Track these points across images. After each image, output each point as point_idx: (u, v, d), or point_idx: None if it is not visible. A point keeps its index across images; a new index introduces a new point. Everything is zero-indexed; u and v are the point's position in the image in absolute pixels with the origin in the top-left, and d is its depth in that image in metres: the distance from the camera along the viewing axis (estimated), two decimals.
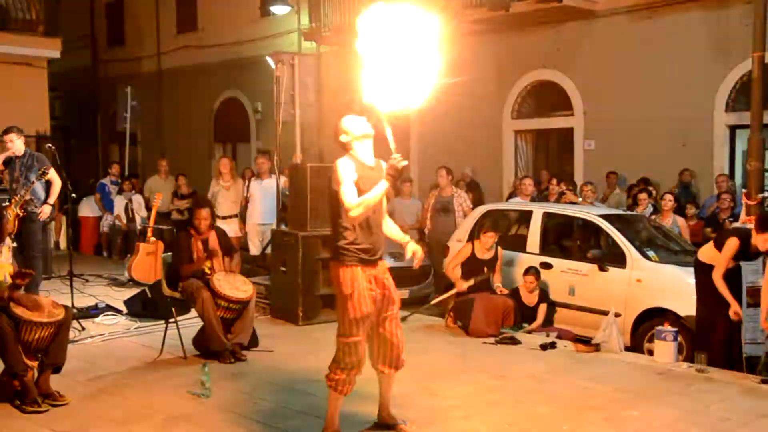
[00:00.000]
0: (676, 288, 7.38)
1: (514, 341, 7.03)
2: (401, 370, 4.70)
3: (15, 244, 7.09)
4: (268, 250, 9.62)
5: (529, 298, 7.99)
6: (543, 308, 7.97)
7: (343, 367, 4.44)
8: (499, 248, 7.95)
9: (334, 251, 4.50)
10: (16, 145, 8.19)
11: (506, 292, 7.73)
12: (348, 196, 4.35)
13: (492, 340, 7.14)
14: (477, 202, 11.50)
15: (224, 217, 10.19)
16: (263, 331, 7.06)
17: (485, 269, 7.80)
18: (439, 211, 10.59)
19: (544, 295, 8.02)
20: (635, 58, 12.46)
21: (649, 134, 12.37)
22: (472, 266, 7.80)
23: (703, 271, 6.46)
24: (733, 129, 11.68)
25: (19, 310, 4.99)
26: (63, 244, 13.65)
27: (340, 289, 4.43)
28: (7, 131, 8.23)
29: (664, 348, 6.39)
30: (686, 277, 7.37)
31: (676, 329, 6.48)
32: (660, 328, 6.50)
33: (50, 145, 9.35)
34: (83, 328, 7.31)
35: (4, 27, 14.95)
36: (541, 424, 4.85)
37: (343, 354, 4.44)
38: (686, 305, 7.15)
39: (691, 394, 5.49)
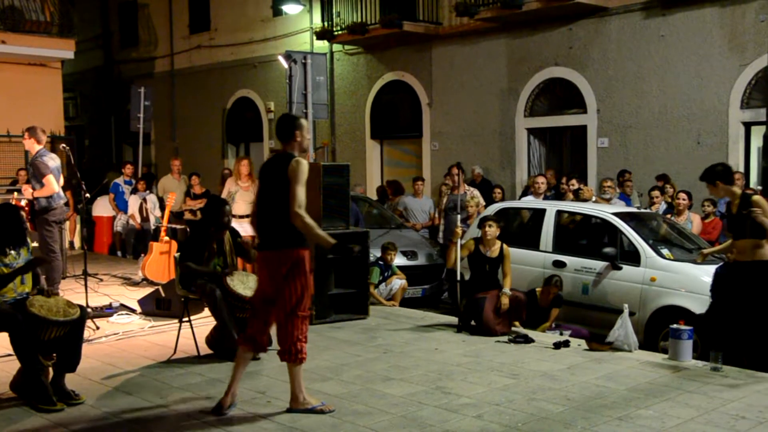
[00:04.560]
0: (690, 286, 7.35)
1: (527, 340, 7.01)
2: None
3: (35, 244, 7.20)
4: None
5: (544, 302, 7.99)
6: (555, 312, 7.96)
7: (304, 340, 4.87)
8: (506, 247, 7.64)
9: (289, 236, 4.73)
10: (26, 145, 8.30)
11: (507, 306, 7.35)
12: (302, 198, 4.65)
13: (505, 338, 7.12)
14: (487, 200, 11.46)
15: (241, 217, 10.24)
16: None
17: (487, 267, 7.56)
18: (451, 210, 10.57)
19: (559, 299, 7.99)
20: (649, 55, 12.39)
21: (664, 131, 12.30)
22: (476, 263, 7.64)
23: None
24: (748, 126, 11.60)
25: (35, 309, 5.02)
26: (77, 243, 13.76)
27: (305, 268, 4.78)
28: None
29: (679, 346, 6.36)
30: (701, 275, 7.33)
31: (690, 327, 6.43)
32: (674, 326, 6.46)
33: (64, 145, 9.41)
34: (98, 328, 7.35)
35: (19, 28, 15.06)
36: (554, 423, 4.83)
37: (305, 327, 4.87)
38: (701, 303, 7.11)
39: (706, 393, 5.46)
